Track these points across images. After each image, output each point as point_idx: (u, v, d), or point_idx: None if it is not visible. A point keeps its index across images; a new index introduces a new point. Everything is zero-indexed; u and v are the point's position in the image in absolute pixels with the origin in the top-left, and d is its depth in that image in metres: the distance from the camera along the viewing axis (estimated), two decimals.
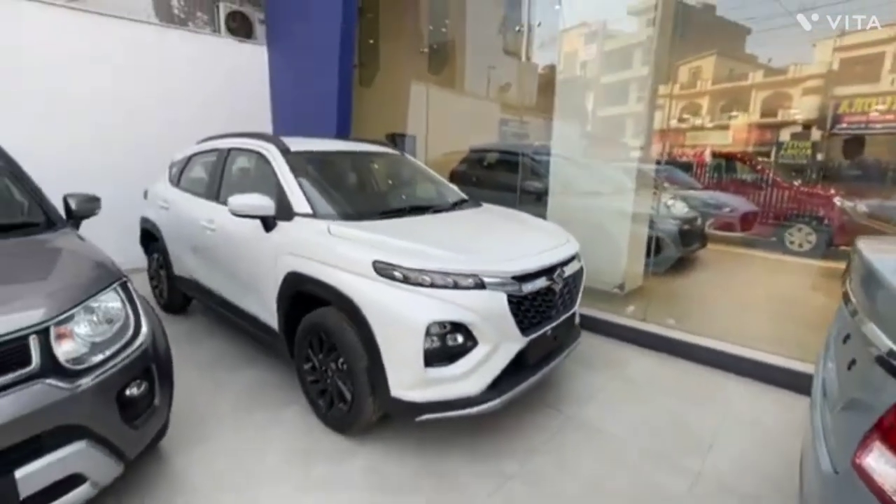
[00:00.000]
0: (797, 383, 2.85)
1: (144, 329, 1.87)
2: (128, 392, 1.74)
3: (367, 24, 6.30)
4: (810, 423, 1.54)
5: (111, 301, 1.82)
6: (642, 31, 5.44)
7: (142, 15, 5.39)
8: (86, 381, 1.57)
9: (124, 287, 1.91)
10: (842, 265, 1.91)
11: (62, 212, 2.41)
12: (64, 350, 1.57)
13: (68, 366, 1.56)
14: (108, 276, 1.89)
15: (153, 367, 1.88)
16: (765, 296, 4.79)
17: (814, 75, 13.58)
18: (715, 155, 8.36)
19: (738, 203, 6.75)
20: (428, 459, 2.22)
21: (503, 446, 2.33)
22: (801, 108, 13.39)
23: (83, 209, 2.44)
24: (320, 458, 2.22)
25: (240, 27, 6.11)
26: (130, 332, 1.82)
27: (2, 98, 4.33)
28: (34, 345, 1.49)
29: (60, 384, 1.51)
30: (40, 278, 1.79)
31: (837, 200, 6.20)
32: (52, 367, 1.53)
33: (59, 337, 1.57)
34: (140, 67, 5.19)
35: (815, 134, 11.40)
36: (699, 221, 5.36)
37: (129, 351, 1.75)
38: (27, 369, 1.47)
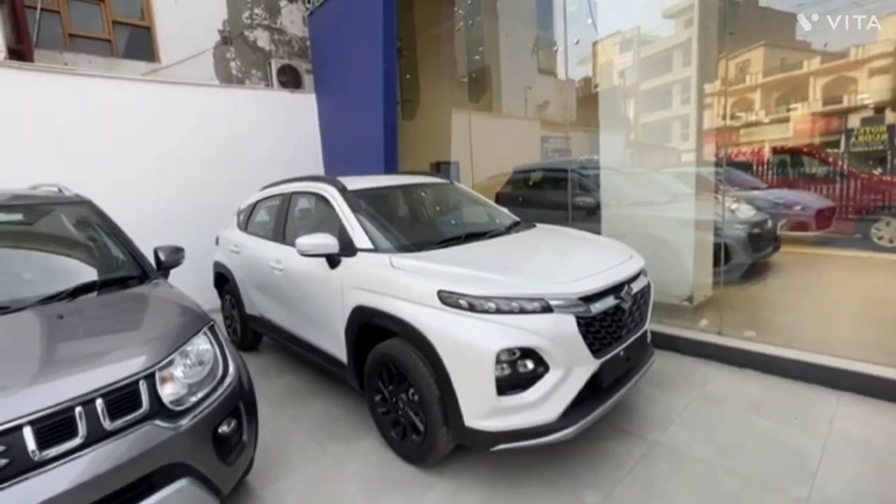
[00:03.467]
0: None
1: (231, 369, 1.99)
2: (220, 430, 1.85)
3: (405, 62, 6.59)
4: None
5: (202, 344, 1.96)
6: (681, 32, 5.31)
7: (205, 79, 5.97)
8: (186, 421, 1.70)
9: (212, 330, 2.06)
10: None
11: (153, 263, 2.66)
12: (167, 392, 1.71)
13: (171, 407, 1.69)
14: (198, 321, 2.05)
15: (240, 404, 1.99)
16: (856, 298, 4.34)
17: (880, 55, 12.52)
18: (777, 150, 7.84)
19: (809, 200, 6.24)
20: (505, 491, 2.17)
21: (583, 476, 2.23)
22: (870, 90, 12.32)
23: (171, 260, 2.68)
24: (397, 490, 2.23)
25: (289, 79, 6.60)
26: (220, 372, 1.94)
27: (92, 165, 4.89)
28: (143, 388, 1.64)
29: (166, 424, 1.64)
30: (143, 327, 1.98)
31: None
32: (158, 408, 1.67)
33: (163, 380, 1.71)
34: (205, 126, 5.71)
35: (891, 116, 10.42)
36: (769, 223, 4.99)
37: (220, 390, 1.87)
38: (139, 412, 1.60)
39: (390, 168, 5.40)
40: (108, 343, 1.84)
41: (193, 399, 1.78)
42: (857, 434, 2.41)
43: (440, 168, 6.55)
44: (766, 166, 7.80)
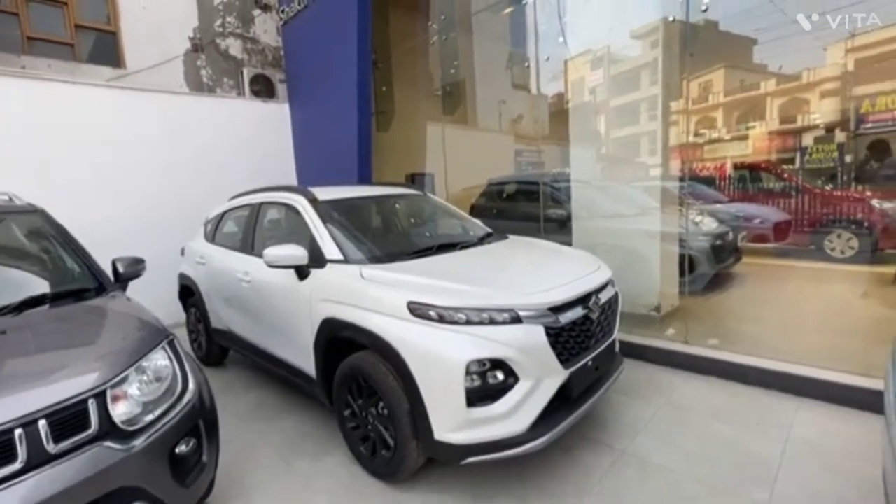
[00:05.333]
0: (863, 400, 2.66)
1: (191, 385, 1.91)
2: (178, 450, 1.77)
3: (380, 74, 6.63)
4: (889, 445, 1.43)
5: (160, 359, 1.88)
6: (647, 52, 5.54)
7: (174, 86, 5.83)
8: (140, 442, 1.61)
9: (171, 345, 1.97)
10: (892, 269, 1.81)
11: (111, 275, 2.55)
12: (119, 412, 1.62)
13: (123, 427, 1.61)
14: (157, 335, 1.97)
15: (200, 422, 1.91)
16: (812, 307, 4.56)
17: (829, 78, 13.39)
18: (738, 166, 8.22)
19: (768, 213, 6.55)
20: None
21: (554, 488, 2.22)
22: (821, 111, 13.13)
23: (130, 272, 2.57)
24: None
25: (263, 89, 6.52)
26: (179, 388, 1.86)
27: (48, 171, 4.68)
28: (93, 408, 1.55)
29: (117, 446, 1.56)
30: (96, 342, 1.88)
31: (875, 202, 5.94)
32: (108, 429, 1.58)
33: (115, 399, 1.63)
34: (173, 134, 5.56)
35: (840, 136, 11.11)
36: (731, 236, 5.21)
37: (178, 408, 1.79)
38: (87, 433, 1.52)
39: (364, 179, 5.38)
40: (55, 360, 1.74)
41: (149, 418, 1.70)
42: (814, 438, 2.50)
43: (415, 180, 6.57)
44: (727, 181, 8.16)
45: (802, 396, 2.90)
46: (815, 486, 2.12)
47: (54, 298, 2.20)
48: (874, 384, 2.59)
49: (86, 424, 1.53)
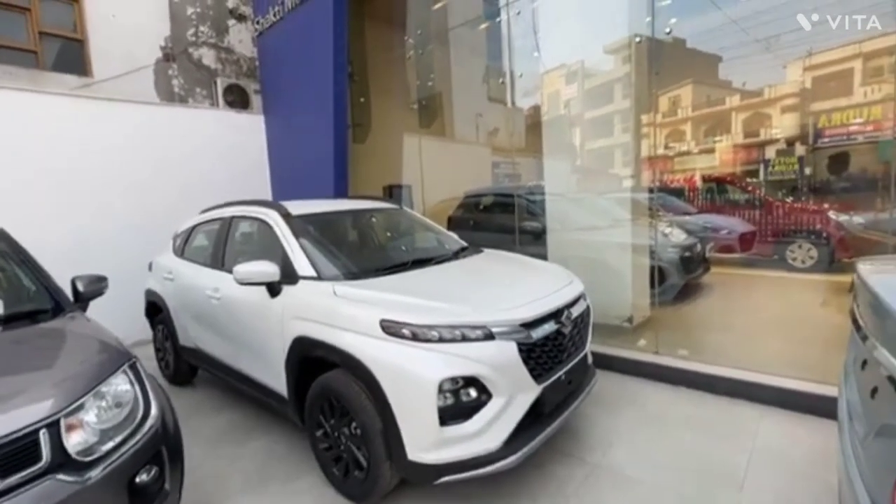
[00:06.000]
0: (823, 408, 2.76)
1: (154, 410, 1.84)
2: (138, 479, 1.69)
3: (357, 86, 6.62)
4: (841, 451, 1.49)
5: (121, 384, 1.81)
6: (619, 67, 5.72)
7: (144, 96, 5.69)
8: (96, 472, 1.54)
9: (133, 368, 1.90)
10: (849, 278, 1.90)
11: (70, 294, 2.44)
12: (74, 442, 1.55)
13: (78, 458, 1.53)
14: (117, 359, 1.89)
15: (163, 449, 1.83)
16: (775, 317, 4.73)
17: (789, 94, 14.12)
18: (706, 179, 8.53)
19: (734, 224, 6.80)
20: None
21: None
22: (782, 126, 13.80)
23: (90, 290, 2.47)
24: None
25: (236, 99, 6.43)
26: (140, 414, 1.79)
27: (2, 184, 4.48)
28: (44, 440, 1.47)
29: (70, 478, 1.48)
30: (49, 367, 1.80)
31: (832, 215, 6.25)
32: (62, 460, 1.50)
33: (70, 428, 1.55)
34: (143, 145, 5.42)
35: (800, 149, 11.69)
36: (699, 247, 5.38)
37: (139, 435, 1.72)
38: (37, 466, 1.44)
39: (340, 192, 5.34)
40: (3, 387, 1.65)
41: (107, 446, 1.62)
42: (778, 446, 2.58)
43: (392, 192, 6.56)
44: (696, 193, 8.45)
45: (767, 405, 3.00)
46: (779, 494, 2.19)
47: (7, 320, 2.09)
48: (832, 391, 2.69)
49: (36, 457, 1.45)
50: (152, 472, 1.75)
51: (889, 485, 1.03)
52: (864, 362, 1.47)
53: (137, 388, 1.85)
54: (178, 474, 1.93)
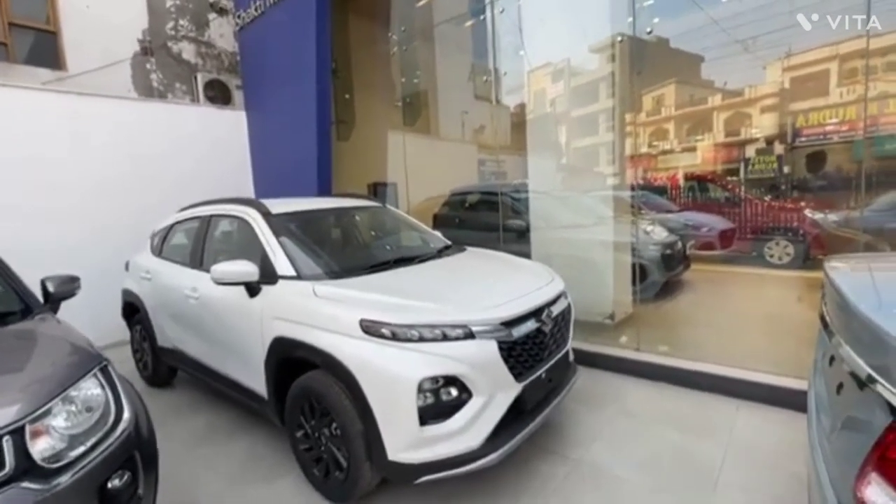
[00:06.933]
0: (796, 402, 2.82)
1: (126, 414, 1.80)
2: (110, 485, 1.65)
3: (341, 82, 6.56)
4: (809, 444, 1.53)
5: (91, 388, 1.75)
6: (604, 66, 5.77)
7: (121, 91, 5.55)
8: (65, 479, 1.49)
9: (104, 371, 1.85)
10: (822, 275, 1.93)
11: (40, 295, 2.37)
12: (40, 448, 1.50)
13: (44, 465, 1.49)
14: (88, 361, 1.84)
15: (136, 454, 1.79)
16: (753, 313, 4.84)
17: (768, 94, 14.41)
18: (687, 177, 8.66)
19: (714, 222, 6.92)
20: None
21: (509, 501, 2.24)
22: (761, 125, 14.09)
23: (61, 291, 2.40)
24: None
25: (218, 95, 6.31)
26: (112, 418, 1.74)
27: None
28: (7, 447, 1.42)
29: (36, 486, 1.43)
30: (16, 371, 1.74)
31: (808, 213, 6.41)
32: (27, 467, 1.46)
33: (35, 435, 1.50)
34: (120, 142, 5.29)
35: (779, 148, 11.95)
36: (680, 245, 5.46)
37: (110, 440, 1.68)
38: (0, 473, 1.39)
39: (323, 189, 5.29)
40: None
41: (76, 452, 1.58)
42: (752, 440, 2.64)
43: (377, 190, 6.52)
44: (678, 191, 8.58)
45: (743, 399, 3.06)
46: (754, 488, 2.24)
47: None
48: (804, 385, 2.76)
49: None
50: (125, 478, 1.71)
51: (852, 477, 1.06)
52: (832, 358, 1.51)
53: (109, 391, 1.80)
54: (153, 478, 1.89)
